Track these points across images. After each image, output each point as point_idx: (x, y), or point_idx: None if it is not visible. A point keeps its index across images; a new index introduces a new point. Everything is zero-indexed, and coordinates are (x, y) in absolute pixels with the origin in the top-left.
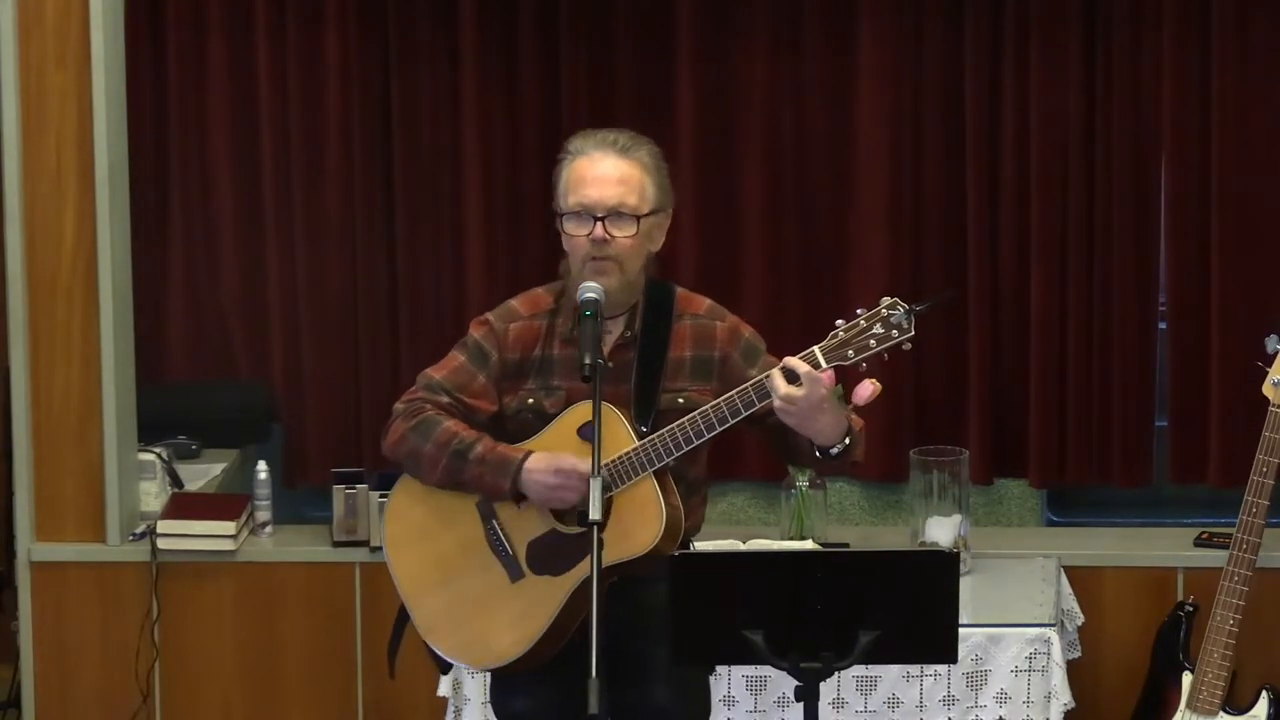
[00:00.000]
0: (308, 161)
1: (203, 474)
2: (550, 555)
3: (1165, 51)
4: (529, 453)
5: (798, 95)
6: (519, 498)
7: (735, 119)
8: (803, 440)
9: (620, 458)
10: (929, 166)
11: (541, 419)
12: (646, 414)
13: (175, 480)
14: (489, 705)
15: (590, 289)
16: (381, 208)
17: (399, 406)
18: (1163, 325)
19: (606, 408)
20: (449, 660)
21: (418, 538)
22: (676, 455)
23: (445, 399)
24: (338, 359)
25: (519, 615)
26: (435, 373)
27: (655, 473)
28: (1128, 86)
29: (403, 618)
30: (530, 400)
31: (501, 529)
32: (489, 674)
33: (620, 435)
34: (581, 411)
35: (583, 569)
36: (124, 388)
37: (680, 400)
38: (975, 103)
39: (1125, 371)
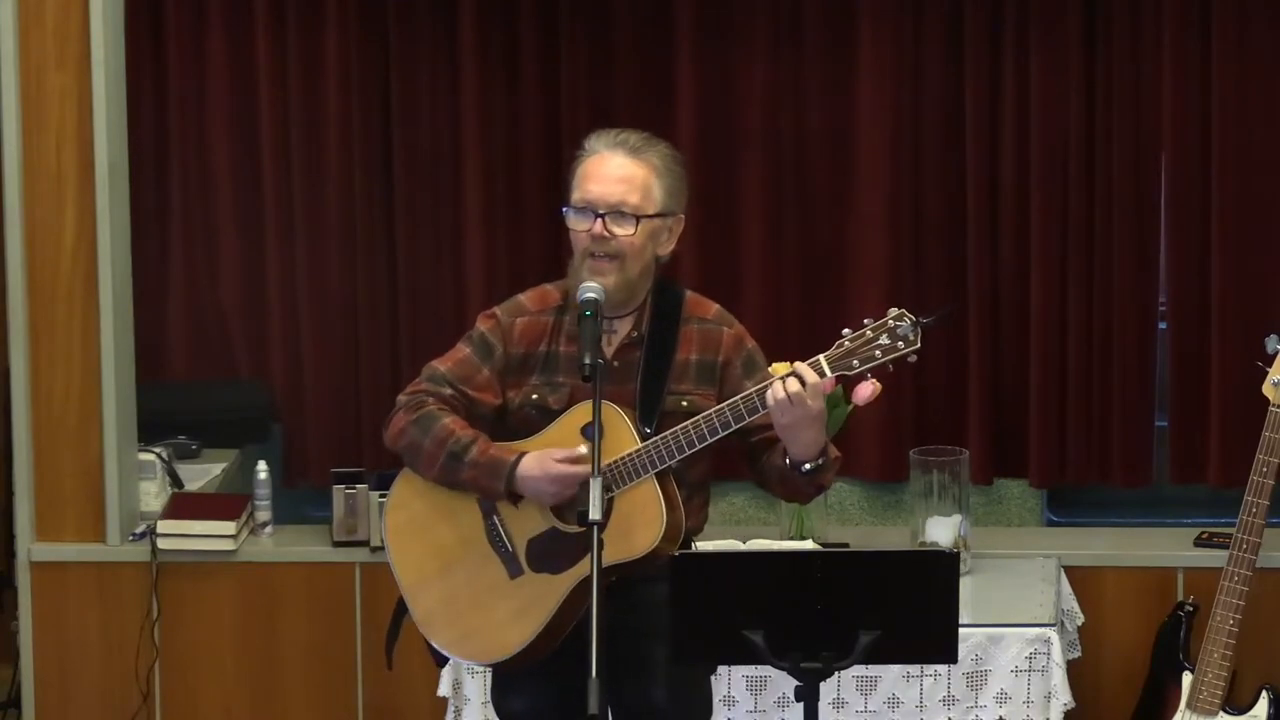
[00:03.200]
0: (308, 161)
1: (203, 474)
2: (550, 553)
3: (1165, 51)
4: (521, 455)
5: (798, 95)
6: (515, 498)
7: (735, 119)
8: (776, 457)
9: (622, 459)
10: (929, 166)
11: (545, 415)
12: (650, 415)
13: (175, 480)
14: (489, 705)
15: (590, 289)
16: (381, 208)
17: (402, 398)
18: (1163, 325)
19: (610, 407)
20: (445, 654)
21: (419, 530)
22: (679, 458)
23: (448, 391)
24: (338, 359)
25: (517, 612)
26: (440, 364)
27: (657, 475)
28: (1128, 86)
29: (401, 609)
30: (534, 396)
31: (502, 525)
32: (490, 673)
33: (624, 436)
34: (585, 410)
35: (582, 568)
36: (124, 388)
37: (684, 403)
38: (975, 103)
39: (1125, 371)
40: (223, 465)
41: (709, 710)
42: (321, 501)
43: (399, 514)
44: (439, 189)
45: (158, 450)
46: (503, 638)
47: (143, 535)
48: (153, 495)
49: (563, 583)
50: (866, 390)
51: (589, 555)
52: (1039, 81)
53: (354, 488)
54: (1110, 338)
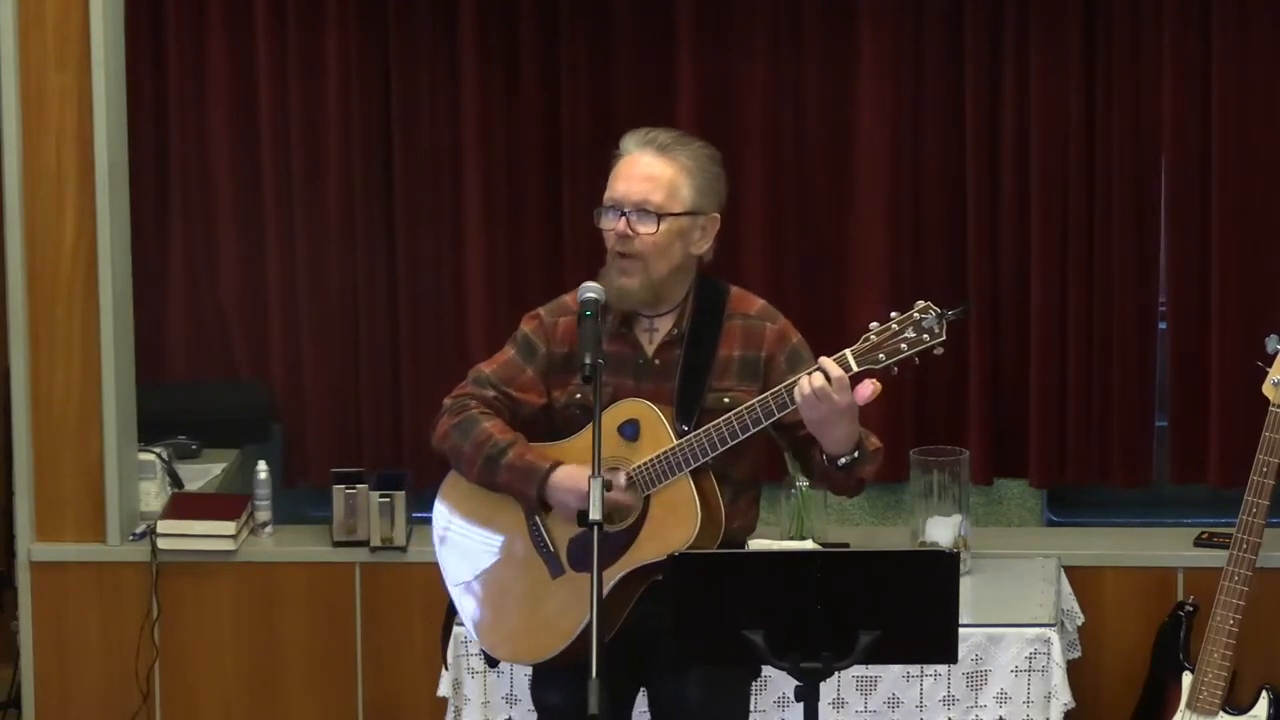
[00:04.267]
0: (308, 161)
1: (203, 474)
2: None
3: (1165, 51)
4: (556, 464)
5: (798, 95)
6: (546, 507)
7: (735, 119)
8: (816, 453)
9: (657, 457)
10: (929, 166)
11: (589, 414)
12: (689, 413)
13: (175, 480)
14: (489, 705)
15: (590, 288)
16: (381, 208)
17: (447, 402)
18: (1163, 325)
19: (648, 406)
20: (494, 656)
21: (464, 532)
22: (713, 455)
23: (491, 393)
24: (338, 359)
25: (560, 611)
26: (485, 367)
27: (695, 472)
28: (1128, 86)
29: (453, 609)
30: (578, 395)
31: (544, 525)
32: (530, 667)
33: (660, 434)
34: (624, 409)
35: (623, 566)
36: (124, 388)
37: (726, 400)
38: (975, 103)
39: (1125, 371)
40: (223, 465)
41: (745, 712)
42: (321, 501)
43: (444, 517)
44: (439, 189)
45: (158, 450)
46: (547, 637)
47: (143, 535)
48: (153, 495)
49: (604, 581)
50: (866, 390)
51: (630, 553)
52: (1039, 81)
53: (354, 488)
54: (1110, 338)
